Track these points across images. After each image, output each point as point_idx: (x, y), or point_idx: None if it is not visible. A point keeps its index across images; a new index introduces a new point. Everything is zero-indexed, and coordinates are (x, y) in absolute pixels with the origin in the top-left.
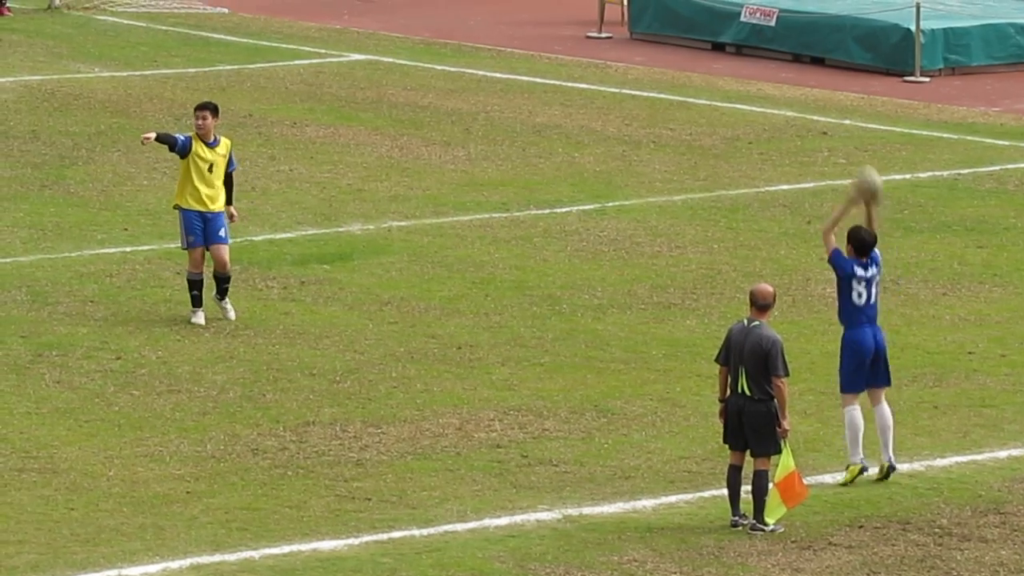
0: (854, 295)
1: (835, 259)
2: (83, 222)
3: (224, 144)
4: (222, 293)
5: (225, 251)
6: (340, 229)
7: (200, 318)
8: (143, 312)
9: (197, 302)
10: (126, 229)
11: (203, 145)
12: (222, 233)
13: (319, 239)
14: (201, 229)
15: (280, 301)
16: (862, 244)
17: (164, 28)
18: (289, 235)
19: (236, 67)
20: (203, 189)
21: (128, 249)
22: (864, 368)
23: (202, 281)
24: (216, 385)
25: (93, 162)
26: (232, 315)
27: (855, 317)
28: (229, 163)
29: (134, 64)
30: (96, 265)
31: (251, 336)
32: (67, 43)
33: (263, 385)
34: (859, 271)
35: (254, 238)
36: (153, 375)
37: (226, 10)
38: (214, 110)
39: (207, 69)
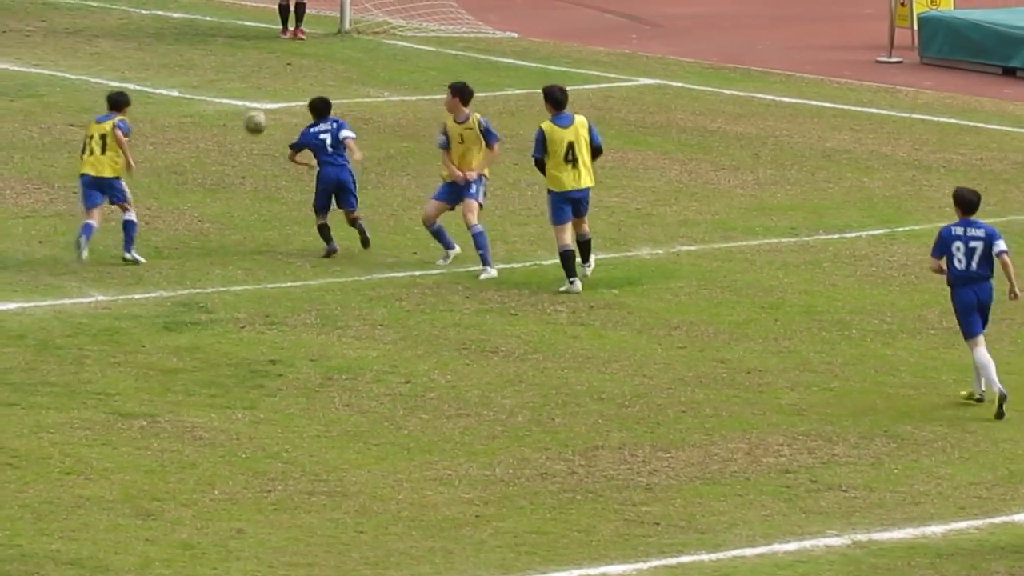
0: None
1: None
2: (373, 246)
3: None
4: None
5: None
6: (629, 253)
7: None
8: (432, 336)
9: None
10: (415, 253)
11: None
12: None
13: (608, 263)
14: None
15: (569, 325)
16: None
17: (453, 52)
18: (576, 261)
19: (525, 91)
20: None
21: (417, 273)
22: None
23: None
24: (505, 409)
25: (383, 186)
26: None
27: None
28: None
29: (423, 88)
30: (385, 289)
31: (540, 360)
32: (357, 67)
33: (552, 409)
34: None
35: (543, 262)
36: (442, 399)
37: (515, 35)
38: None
39: (496, 93)
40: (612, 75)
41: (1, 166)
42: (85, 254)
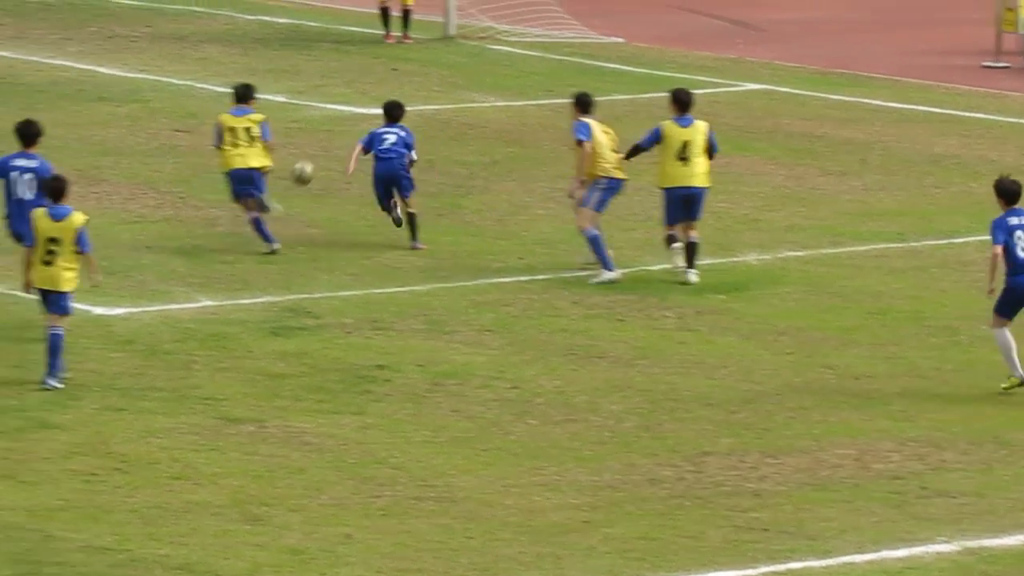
0: None
1: None
2: (479, 251)
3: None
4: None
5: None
6: (736, 259)
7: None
8: (539, 341)
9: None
10: (522, 258)
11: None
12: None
13: (715, 269)
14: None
15: (676, 331)
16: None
17: (558, 58)
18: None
19: (630, 97)
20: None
21: (524, 278)
22: None
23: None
24: (613, 415)
25: (489, 191)
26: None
27: None
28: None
29: (528, 93)
30: (492, 294)
31: (647, 366)
32: (462, 72)
33: (660, 415)
34: None
35: (650, 268)
36: (550, 404)
37: (621, 40)
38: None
39: (602, 99)
40: (718, 80)
41: (108, 172)
42: (277, 245)
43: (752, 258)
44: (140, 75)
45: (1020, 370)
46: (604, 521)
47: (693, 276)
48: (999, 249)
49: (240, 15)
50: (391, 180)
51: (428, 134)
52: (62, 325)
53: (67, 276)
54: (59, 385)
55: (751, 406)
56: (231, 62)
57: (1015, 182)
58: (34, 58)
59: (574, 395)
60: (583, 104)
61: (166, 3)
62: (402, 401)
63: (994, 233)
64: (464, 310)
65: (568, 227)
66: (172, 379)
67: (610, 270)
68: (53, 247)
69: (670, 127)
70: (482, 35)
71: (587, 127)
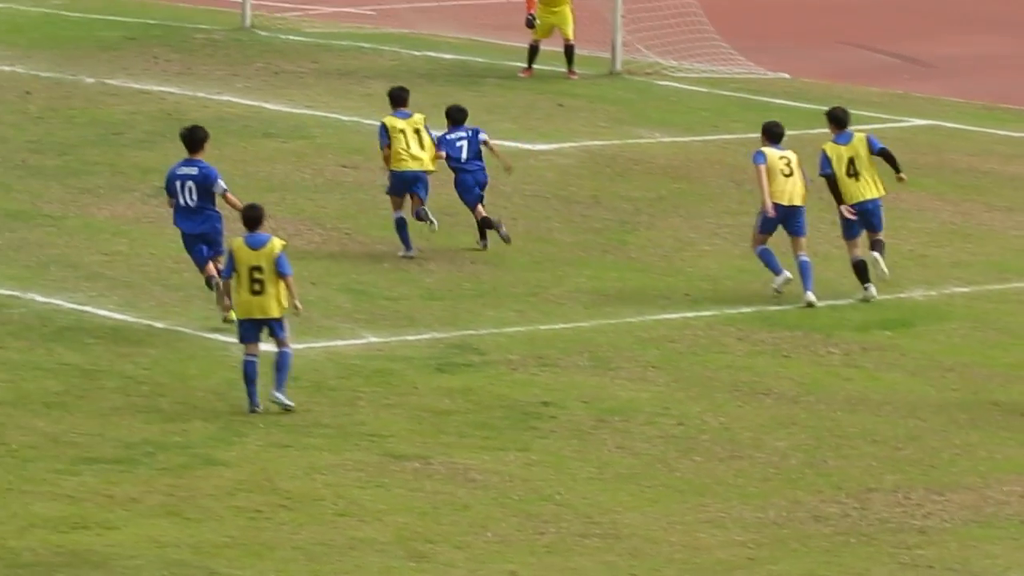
0: None
1: None
2: (644, 287)
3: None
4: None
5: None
6: (902, 295)
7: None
8: (704, 378)
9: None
10: (687, 295)
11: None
12: None
13: (881, 305)
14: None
15: (842, 367)
16: None
17: (725, 93)
18: (850, 301)
19: (797, 132)
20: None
21: (690, 314)
22: None
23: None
24: (778, 451)
25: (654, 227)
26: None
27: None
28: None
29: (695, 129)
30: (657, 330)
31: (812, 402)
32: (628, 108)
33: (825, 451)
34: None
35: (818, 304)
36: (715, 441)
37: (787, 76)
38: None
39: None
40: (884, 116)
41: (274, 207)
42: (413, 253)
43: (918, 294)
44: (306, 111)
45: None
46: (769, 558)
47: (881, 263)
48: None
49: (406, 51)
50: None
51: (594, 170)
52: (289, 346)
53: (276, 303)
54: (288, 402)
55: (916, 442)
56: None
57: None
58: (200, 94)
59: (739, 431)
60: (770, 133)
61: (332, 39)
62: (567, 437)
63: None
64: (629, 346)
65: (733, 263)
66: (337, 415)
67: (779, 273)
68: (257, 275)
69: (832, 148)
70: (648, 71)
71: (762, 155)
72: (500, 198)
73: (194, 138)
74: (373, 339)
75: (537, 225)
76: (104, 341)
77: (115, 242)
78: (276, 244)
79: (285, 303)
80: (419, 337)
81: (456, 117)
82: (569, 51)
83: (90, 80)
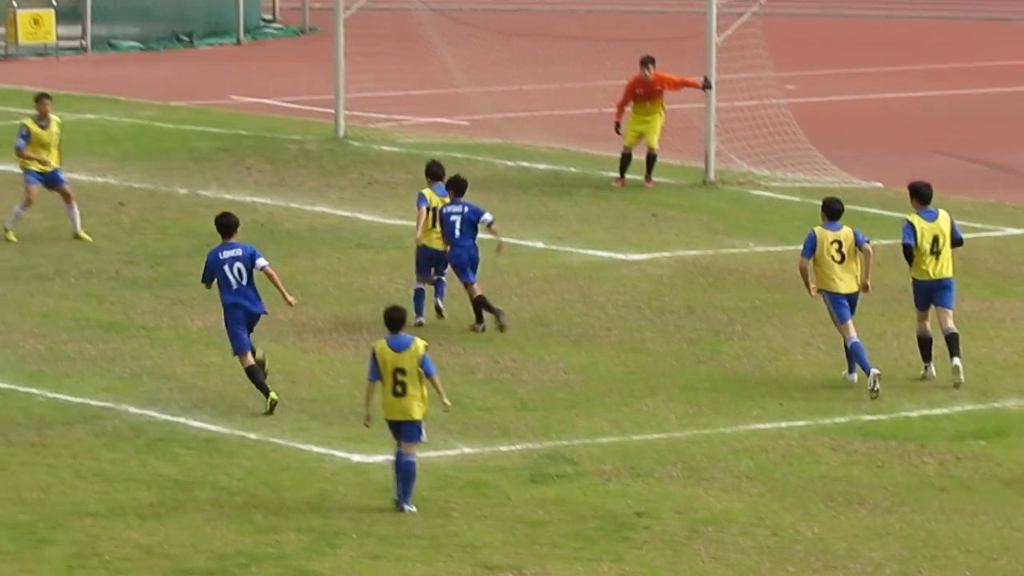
0: None
1: None
2: (738, 397)
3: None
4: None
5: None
6: (997, 405)
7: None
8: (798, 488)
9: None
10: (781, 404)
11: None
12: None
13: (975, 415)
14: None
15: (936, 477)
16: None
17: (818, 202)
18: (944, 411)
19: (890, 242)
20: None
21: (783, 424)
22: None
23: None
24: (872, 562)
25: (748, 337)
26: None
27: None
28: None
29: (788, 238)
30: (751, 440)
31: (907, 512)
32: (722, 217)
33: (919, 562)
34: None
35: (910, 414)
36: (809, 551)
37: (879, 185)
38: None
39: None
40: (978, 225)
41: (368, 318)
42: (421, 319)
43: (1012, 403)
44: (399, 221)
45: None
46: None
47: (958, 360)
48: None
49: (500, 160)
50: (470, 263)
51: (687, 279)
52: (415, 452)
53: (418, 404)
54: (413, 509)
55: (1011, 552)
56: (490, 207)
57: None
58: (294, 204)
59: (833, 542)
60: (829, 210)
61: (426, 149)
62: (661, 548)
63: None
64: (723, 456)
65: (826, 372)
66: (430, 526)
67: (867, 371)
68: (401, 377)
69: (919, 222)
70: (741, 180)
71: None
72: (593, 308)
73: (229, 224)
74: (467, 450)
75: (631, 335)
76: (197, 452)
77: (208, 353)
78: (419, 345)
79: (426, 407)
80: (512, 448)
81: (458, 188)
82: (651, 160)
83: (183, 191)
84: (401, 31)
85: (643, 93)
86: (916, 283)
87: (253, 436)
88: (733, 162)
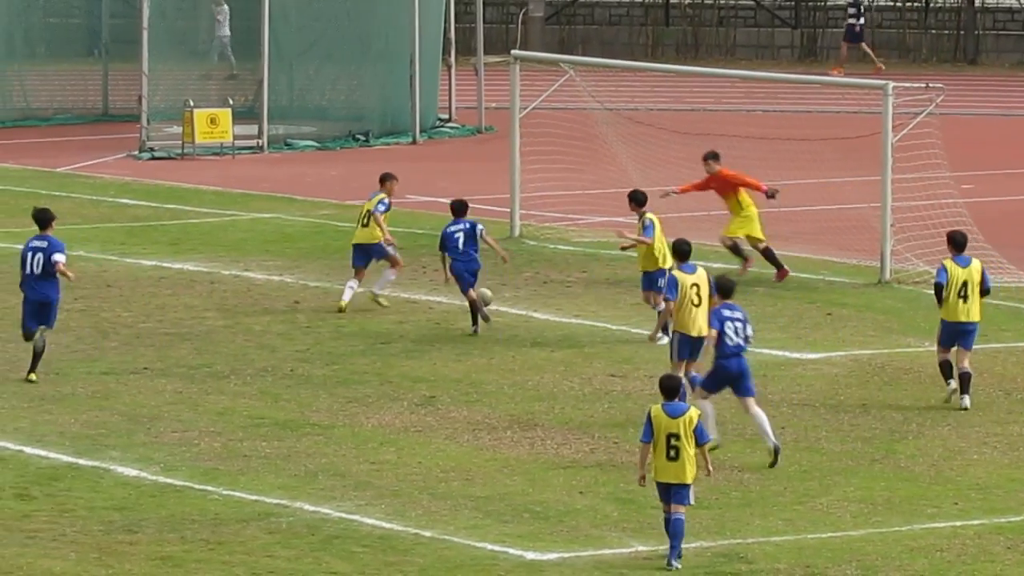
0: None
1: None
2: (913, 496)
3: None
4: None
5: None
6: None
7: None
8: None
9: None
10: (956, 503)
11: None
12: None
13: None
14: None
15: None
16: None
17: (994, 302)
18: None
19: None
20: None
21: (958, 523)
22: None
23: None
24: None
25: (923, 436)
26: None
27: None
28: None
29: None
30: (926, 539)
31: None
32: (897, 317)
33: None
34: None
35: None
36: None
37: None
38: None
39: (1011, 345)
40: None
41: (542, 416)
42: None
43: None
44: (574, 320)
45: None
46: None
47: (967, 400)
48: None
49: None
50: (471, 275)
51: (862, 379)
52: (683, 512)
53: (690, 469)
54: (679, 566)
55: None
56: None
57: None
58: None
59: None
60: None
61: (601, 248)
62: None
63: None
64: (898, 555)
65: (1002, 472)
66: None
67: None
68: (675, 443)
69: (952, 267)
70: (917, 280)
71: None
72: (768, 406)
73: (44, 217)
74: (641, 548)
75: (806, 434)
76: (372, 550)
77: (383, 451)
78: (694, 413)
79: (695, 470)
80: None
81: (458, 211)
82: (769, 254)
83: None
84: (576, 130)
85: (718, 188)
86: (944, 323)
87: (428, 534)
88: (910, 262)
